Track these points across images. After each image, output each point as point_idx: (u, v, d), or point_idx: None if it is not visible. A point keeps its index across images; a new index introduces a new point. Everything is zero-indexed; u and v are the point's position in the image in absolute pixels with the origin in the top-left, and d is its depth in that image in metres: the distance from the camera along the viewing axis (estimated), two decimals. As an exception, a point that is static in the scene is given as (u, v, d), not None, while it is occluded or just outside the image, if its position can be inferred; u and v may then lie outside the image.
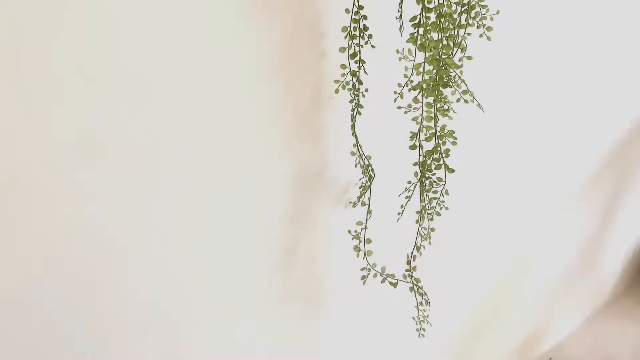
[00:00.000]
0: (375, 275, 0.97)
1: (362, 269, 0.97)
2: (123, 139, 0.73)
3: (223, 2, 0.75)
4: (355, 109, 0.88)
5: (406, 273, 0.95)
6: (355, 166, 0.95)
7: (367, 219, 0.98)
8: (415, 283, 0.95)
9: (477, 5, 0.76)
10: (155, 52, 0.72)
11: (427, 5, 0.72)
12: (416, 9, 0.73)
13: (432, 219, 0.93)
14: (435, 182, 0.87)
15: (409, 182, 0.92)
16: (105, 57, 0.68)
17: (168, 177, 0.80)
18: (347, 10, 0.79)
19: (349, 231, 1.00)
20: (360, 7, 0.78)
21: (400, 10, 0.79)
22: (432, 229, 0.95)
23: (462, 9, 0.75)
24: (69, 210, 0.72)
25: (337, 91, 0.85)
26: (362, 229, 0.98)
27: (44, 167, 0.68)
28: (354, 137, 0.91)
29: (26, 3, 0.60)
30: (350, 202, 1.04)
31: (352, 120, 0.89)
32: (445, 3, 0.72)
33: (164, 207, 0.81)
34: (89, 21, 0.65)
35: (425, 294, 0.96)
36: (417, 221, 0.93)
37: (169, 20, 0.71)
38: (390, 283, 0.94)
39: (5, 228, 0.68)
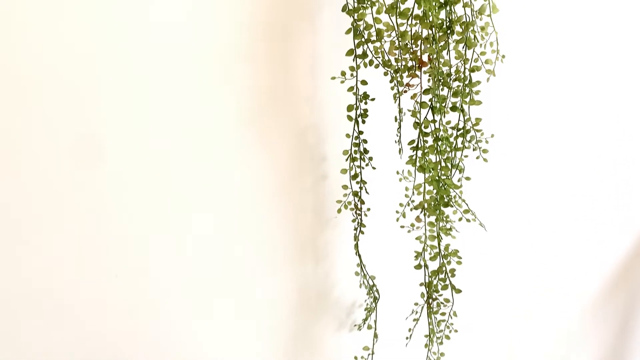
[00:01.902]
0: (384, 407, 0.90)
1: (370, 399, 0.91)
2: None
3: (229, 129, 0.79)
4: (358, 229, 0.88)
5: (417, 403, 0.88)
6: (360, 287, 0.92)
7: (373, 344, 0.93)
8: (428, 415, 0.88)
9: (472, 129, 0.79)
10: (173, 193, 0.74)
11: (424, 129, 0.76)
12: (414, 133, 0.77)
13: (441, 343, 0.89)
14: (443, 303, 0.85)
15: (416, 304, 0.89)
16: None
17: (170, 292, 0.78)
18: (347, 135, 0.82)
19: (355, 357, 0.95)
20: (360, 132, 0.82)
21: (398, 134, 0.83)
22: (442, 354, 0.90)
23: (458, 133, 0.79)
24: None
25: (339, 211, 0.86)
26: (369, 354, 0.93)
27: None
28: (357, 257, 0.90)
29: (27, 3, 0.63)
30: (356, 325, 1.00)
31: (355, 240, 0.89)
32: (442, 127, 0.76)
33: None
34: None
35: None
36: (425, 345, 0.89)
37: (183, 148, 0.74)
38: (401, 415, 0.88)
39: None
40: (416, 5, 0.70)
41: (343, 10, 0.74)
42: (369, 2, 0.72)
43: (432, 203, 0.78)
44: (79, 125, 0.70)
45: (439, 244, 0.81)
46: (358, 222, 0.87)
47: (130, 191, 0.75)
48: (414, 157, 0.77)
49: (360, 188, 0.85)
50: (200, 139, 0.78)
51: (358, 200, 0.85)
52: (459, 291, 0.82)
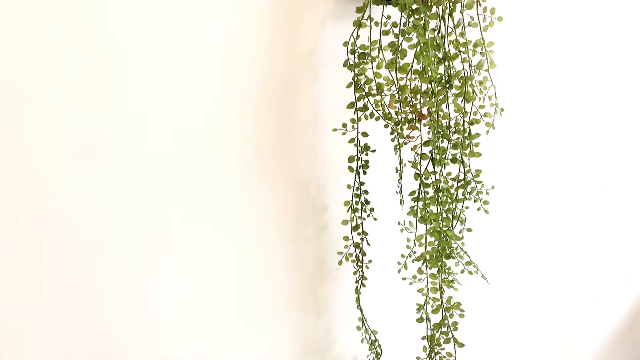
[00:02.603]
0: None
1: None
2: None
3: (231, 178, 0.80)
4: (360, 281, 0.87)
5: None
6: (362, 342, 0.90)
7: (375, 402, 0.90)
8: None
9: (472, 181, 0.80)
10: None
11: (424, 181, 0.76)
12: (415, 184, 0.77)
13: (445, 400, 0.86)
14: (445, 357, 0.82)
15: (418, 358, 0.87)
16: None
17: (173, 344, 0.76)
18: (348, 186, 0.83)
19: (356, 415, 0.91)
20: (362, 183, 0.82)
21: (399, 185, 0.83)
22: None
23: (459, 184, 0.79)
24: None
25: (340, 263, 0.86)
26: (371, 412, 0.90)
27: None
28: (359, 311, 0.88)
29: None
30: (357, 382, 0.97)
31: (356, 293, 0.88)
32: (442, 179, 0.76)
33: None
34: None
35: None
36: (429, 403, 0.86)
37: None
38: None
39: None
40: (415, 60, 0.72)
41: (344, 65, 0.76)
42: (369, 58, 0.75)
43: (434, 254, 0.77)
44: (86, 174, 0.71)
45: (441, 297, 0.80)
46: (359, 275, 0.86)
47: (135, 236, 0.75)
48: (415, 208, 0.77)
49: (362, 239, 0.84)
50: (203, 187, 0.78)
51: (359, 252, 0.85)
52: (461, 345, 0.80)
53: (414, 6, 0.71)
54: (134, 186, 0.76)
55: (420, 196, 0.77)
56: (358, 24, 0.75)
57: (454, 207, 0.79)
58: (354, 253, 0.85)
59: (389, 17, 0.74)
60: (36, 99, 0.69)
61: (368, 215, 0.84)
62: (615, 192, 1.23)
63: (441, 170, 0.76)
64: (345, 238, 0.85)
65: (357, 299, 0.88)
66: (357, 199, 0.83)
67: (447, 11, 0.71)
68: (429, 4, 0.71)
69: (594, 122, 1.09)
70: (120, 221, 0.76)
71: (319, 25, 0.79)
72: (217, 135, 0.77)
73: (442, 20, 0.71)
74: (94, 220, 0.75)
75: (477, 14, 0.71)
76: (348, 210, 0.83)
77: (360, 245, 0.85)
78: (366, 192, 0.83)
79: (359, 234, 0.84)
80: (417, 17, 0.71)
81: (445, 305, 0.80)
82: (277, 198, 0.84)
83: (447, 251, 0.77)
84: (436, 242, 0.77)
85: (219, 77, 0.76)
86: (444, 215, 0.77)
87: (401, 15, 0.72)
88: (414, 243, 0.80)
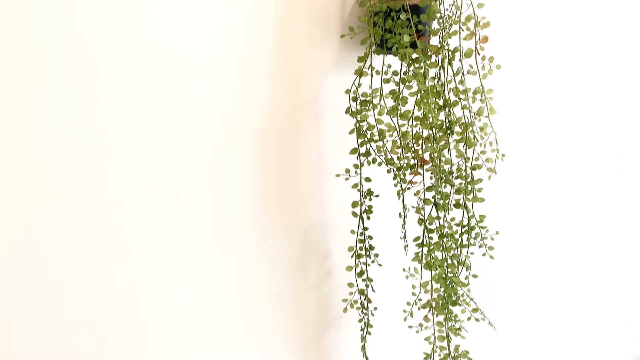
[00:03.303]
0: None
1: None
2: None
3: (235, 224, 0.80)
4: (365, 329, 0.85)
5: None
6: (367, 392, 0.88)
7: None
8: None
9: (476, 226, 0.79)
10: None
11: (428, 226, 0.76)
12: (419, 230, 0.77)
13: None
14: (455, 410, 0.80)
15: (427, 411, 0.84)
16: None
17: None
18: (352, 232, 0.82)
19: None
20: (366, 228, 0.82)
21: (403, 230, 0.83)
22: None
23: (463, 230, 0.79)
24: None
25: (345, 310, 0.84)
26: None
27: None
28: None
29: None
30: None
31: (362, 341, 0.86)
32: (446, 224, 0.76)
33: None
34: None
35: None
36: None
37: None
38: None
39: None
40: (416, 107, 0.73)
41: (346, 112, 0.77)
42: (371, 105, 0.76)
43: (440, 302, 0.76)
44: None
45: (448, 345, 0.78)
46: (365, 322, 0.85)
47: (145, 283, 0.75)
48: (420, 254, 0.76)
49: (367, 286, 0.83)
50: (207, 235, 0.78)
51: (364, 299, 0.84)
52: (472, 396, 0.77)
53: (414, 55, 0.73)
54: (137, 243, 0.75)
55: (425, 242, 0.76)
56: (359, 73, 0.76)
57: (459, 252, 0.78)
58: (358, 300, 0.84)
59: (389, 66, 0.76)
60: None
61: (373, 261, 0.83)
62: (620, 233, 1.21)
63: (445, 215, 0.75)
64: (350, 285, 0.84)
65: (363, 348, 0.86)
66: (362, 245, 0.82)
67: (446, 60, 0.72)
68: (429, 53, 0.72)
69: (594, 164, 1.09)
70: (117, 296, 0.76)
71: (322, 73, 0.81)
72: (221, 184, 0.78)
73: (441, 69, 0.73)
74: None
75: (476, 62, 0.72)
76: (352, 256, 0.83)
77: (365, 291, 0.83)
78: (370, 237, 0.82)
79: (363, 280, 0.83)
80: (417, 65, 0.72)
81: (452, 354, 0.78)
82: (280, 245, 0.84)
83: (453, 298, 0.76)
84: (442, 289, 0.76)
85: (222, 126, 0.77)
86: (449, 261, 0.76)
87: (401, 64, 0.74)
88: (420, 290, 0.79)
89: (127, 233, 0.74)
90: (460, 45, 0.72)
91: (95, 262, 0.72)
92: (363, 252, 0.83)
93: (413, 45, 0.72)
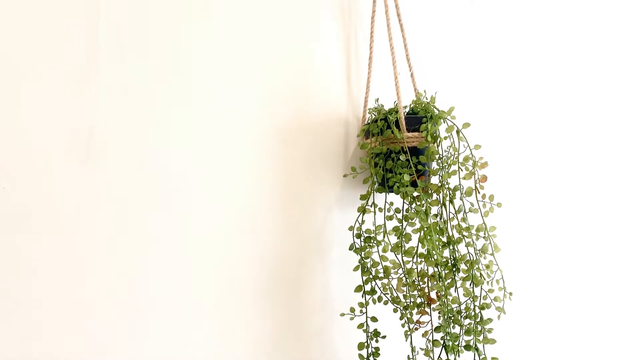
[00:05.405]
0: None
1: None
2: None
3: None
4: None
5: None
6: None
7: None
8: None
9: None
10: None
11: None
12: (428, 372, 0.72)
13: None
14: None
15: None
16: None
17: None
18: (360, 357, 0.77)
19: None
20: (376, 349, 0.77)
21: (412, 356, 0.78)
22: None
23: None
24: None
25: None
26: None
27: None
28: None
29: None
30: None
31: None
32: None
33: None
34: None
35: None
36: None
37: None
38: None
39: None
40: (420, 244, 0.73)
41: (350, 249, 0.77)
42: (374, 242, 0.76)
43: None
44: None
45: None
46: None
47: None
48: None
49: None
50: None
51: None
52: None
53: (415, 194, 0.74)
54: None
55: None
56: (362, 210, 0.78)
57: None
58: None
59: (391, 203, 0.78)
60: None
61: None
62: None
63: (455, 358, 0.71)
64: None
65: None
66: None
67: (447, 198, 0.74)
68: (429, 192, 0.74)
69: (602, 270, 1.05)
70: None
71: (326, 210, 0.83)
72: (226, 327, 0.77)
73: (443, 207, 0.74)
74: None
75: (477, 200, 0.74)
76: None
77: None
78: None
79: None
80: (418, 203, 0.74)
81: None
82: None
83: None
84: None
85: (229, 266, 0.77)
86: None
87: (403, 202, 0.76)
88: None
89: None
90: (460, 184, 0.73)
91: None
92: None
93: (414, 184, 0.74)
